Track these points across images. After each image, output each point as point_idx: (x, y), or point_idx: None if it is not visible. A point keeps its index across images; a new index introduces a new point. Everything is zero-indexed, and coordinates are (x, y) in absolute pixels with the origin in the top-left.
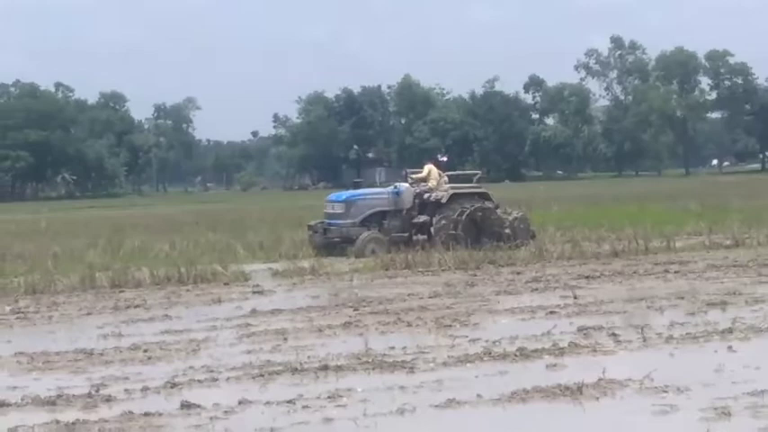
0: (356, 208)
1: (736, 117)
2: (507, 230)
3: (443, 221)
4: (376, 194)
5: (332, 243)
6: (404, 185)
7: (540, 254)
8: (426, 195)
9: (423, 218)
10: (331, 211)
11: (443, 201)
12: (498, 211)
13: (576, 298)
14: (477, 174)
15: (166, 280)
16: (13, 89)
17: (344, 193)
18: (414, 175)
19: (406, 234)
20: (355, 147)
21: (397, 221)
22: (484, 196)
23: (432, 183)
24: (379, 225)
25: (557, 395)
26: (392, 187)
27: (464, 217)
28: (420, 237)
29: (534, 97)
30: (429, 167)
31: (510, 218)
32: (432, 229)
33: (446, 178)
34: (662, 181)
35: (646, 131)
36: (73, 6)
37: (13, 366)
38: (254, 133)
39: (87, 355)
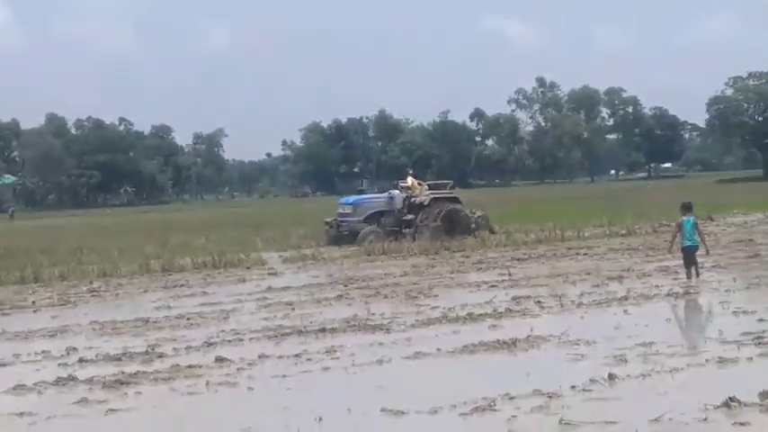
0: (361, 209)
1: (627, 137)
2: (473, 225)
3: (426, 219)
4: (375, 199)
5: (343, 235)
6: (396, 192)
7: (483, 242)
8: (412, 199)
9: (410, 216)
10: (342, 212)
11: (426, 203)
12: (466, 210)
13: (510, 275)
14: (449, 183)
15: (203, 265)
16: (86, 123)
17: (352, 198)
18: (402, 184)
19: (398, 228)
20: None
21: (391, 219)
22: (455, 200)
23: (416, 190)
24: (378, 221)
25: (497, 348)
26: (387, 193)
27: (441, 215)
28: (408, 230)
29: (477, 124)
30: (411, 179)
31: (475, 216)
32: (417, 224)
33: (426, 186)
34: (573, 187)
35: (561, 149)
36: (131, 56)
37: (90, 332)
38: (268, 154)
39: (144, 323)
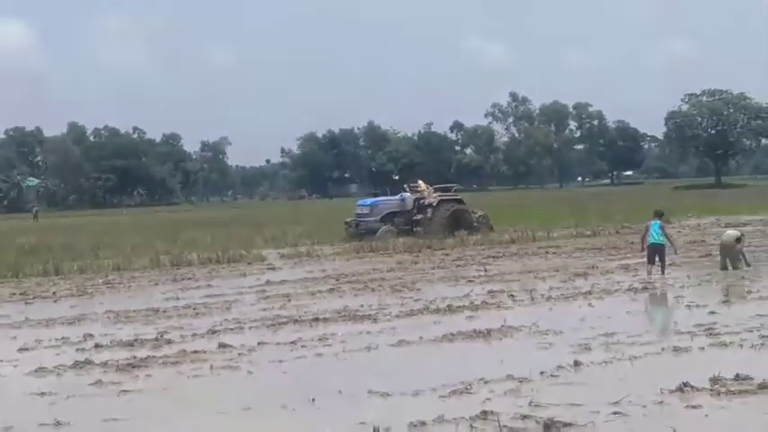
0: (377, 210)
1: (593, 148)
2: (475, 224)
3: (434, 218)
4: (389, 200)
5: (360, 233)
6: (407, 194)
7: (462, 241)
8: (422, 201)
9: (420, 216)
10: (360, 212)
11: (434, 204)
12: (469, 210)
13: (486, 271)
14: (453, 186)
15: (208, 261)
16: (103, 131)
17: (369, 200)
18: (413, 187)
19: (409, 227)
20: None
21: (403, 218)
22: (460, 201)
23: (425, 192)
24: (392, 221)
25: (473, 337)
26: (399, 196)
27: (448, 215)
28: (418, 228)
29: (457, 135)
30: (421, 183)
31: (476, 215)
32: (426, 223)
33: (433, 189)
34: (544, 192)
35: (533, 158)
36: (144, 71)
37: (105, 320)
38: (267, 160)
39: (154, 312)
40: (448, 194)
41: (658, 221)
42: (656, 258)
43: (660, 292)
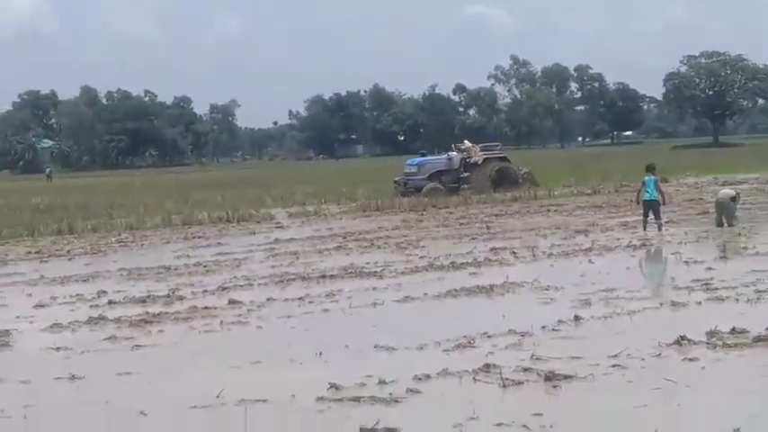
0: (424, 169)
1: (593, 109)
2: (520, 180)
3: (480, 176)
4: (436, 160)
5: (409, 191)
6: (453, 153)
7: (465, 200)
8: (468, 159)
9: (466, 174)
10: (408, 171)
11: (479, 162)
12: (514, 167)
13: (488, 229)
14: (497, 144)
15: (219, 220)
16: (116, 95)
17: (417, 160)
18: (459, 146)
19: (456, 184)
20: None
21: (450, 176)
22: (505, 159)
23: (470, 151)
24: (439, 179)
25: (476, 292)
26: (446, 155)
27: (494, 172)
28: (464, 185)
29: (460, 97)
30: (466, 142)
31: (522, 172)
32: (473, 180)
33: (479, 148)
34: (545, 152)
35: (534, 119)
36: (156, 36)
37: (118, 277)
38: (275, 122)
39: (166, 270)
40: (493, 153)
41: (653, 177)
42: (651, 215)
43: (658, 248)
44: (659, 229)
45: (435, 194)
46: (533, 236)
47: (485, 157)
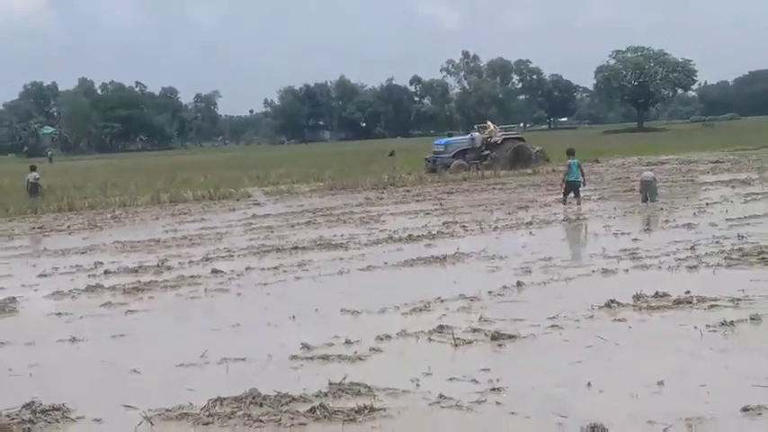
0: (451, 147)
1: (533, 98)
2: (533, 158)
3: (500, 153)
4: (461, 140)
5: (437, 168)
6: (476, 134)
7: (421, 179)
8: (489, 139)
9: (487, 152)
10: (436, 150)
11: (499, 142)
12: (529, 147)
13: (441, 205)
14: (515, 126)
15: (202, 198)
16: (110, 86)
17: (444, 140)
18: (482, 127)
19: (478, 161)
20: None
21: (473, 154)
22: (521, 139)
23: (492, 132)
24: (463, 156)
25: (431, 262)
26: (469, 135)
27: (511, 151)
28: (486, 162)
29: (416, 88)
30: (489, 123)
31: (535, 150)
32: (492, 158)
33: (499, 129)
34: None
35: (481, 107)
36: (147, 32)
37: (113, 249)
38: (251, 111)
39: (156, 242)
40: (510, 133)
41: (576, 160)
42: (572, 194)
43: (590, 222)
44: (578, 204)
45: (460, 170)
46: (481, 211)
47: (504, 137)
